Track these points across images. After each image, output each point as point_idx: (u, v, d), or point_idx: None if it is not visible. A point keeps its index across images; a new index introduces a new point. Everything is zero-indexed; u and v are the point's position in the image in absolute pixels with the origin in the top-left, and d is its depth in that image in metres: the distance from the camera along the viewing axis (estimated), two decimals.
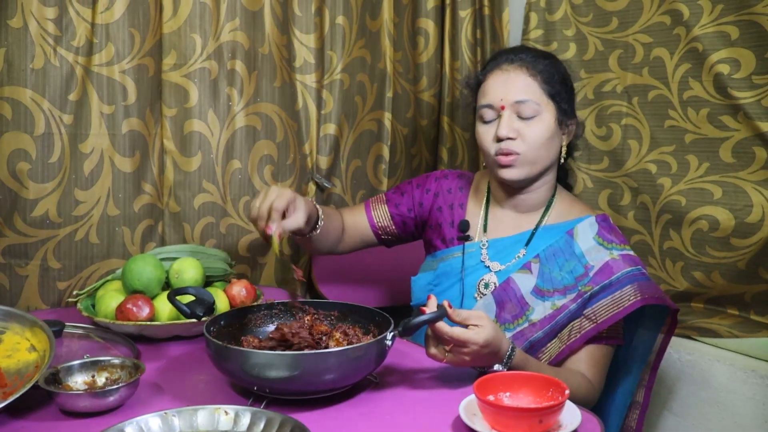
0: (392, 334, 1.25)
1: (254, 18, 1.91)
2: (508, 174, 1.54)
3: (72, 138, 1.70)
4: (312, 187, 2.10)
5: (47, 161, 1.67)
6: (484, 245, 1.62)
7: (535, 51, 1.60)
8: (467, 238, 1.63)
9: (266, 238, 1.35)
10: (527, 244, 1.59)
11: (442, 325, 1.22)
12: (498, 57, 1.59)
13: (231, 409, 1.07)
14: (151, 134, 1.82)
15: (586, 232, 1.56)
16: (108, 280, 1.65)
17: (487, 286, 1.57)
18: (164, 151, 1.85)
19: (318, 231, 1.56)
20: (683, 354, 1.85)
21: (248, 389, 1.23)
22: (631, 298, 1.46)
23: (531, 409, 1.05)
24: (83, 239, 1.75)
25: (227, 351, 1.19)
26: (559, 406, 1.03)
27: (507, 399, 1.11)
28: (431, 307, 1.25)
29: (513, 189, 1.60)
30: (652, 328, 1.61)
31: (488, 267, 1.59)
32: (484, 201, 1.68)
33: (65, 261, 1.73)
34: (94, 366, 1.22)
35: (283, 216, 1.36)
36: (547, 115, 1.52)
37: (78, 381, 1.20)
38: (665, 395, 1.89)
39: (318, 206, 1.57)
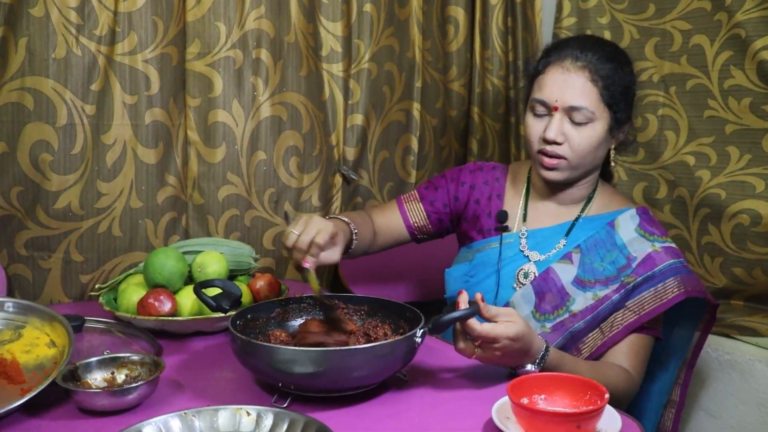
0: (422, 331, 1.21)
1: (280, 5, 1.88)
2: (549, 175, 1.51)
3: (94, 129, 1.68)
4: (338, 179, 2.06)
5: (69, 152, 1.65)
6: (523, 234, 1.59)
7: (604, 50, 1.51)
8: (505, 229, 1.60)
9: (300, 269, 1.31)
10: (567, 234, 1.56)
11: (472, 322, 1.18)
12: (563, 50, 1.51)
13: (253, 409, 1.03)
14: (175, 125, 1.79)
15: (628, 224, 1.53)
16: (130, 274, 1.63)
17: (526, 275, 1.54)
18: (188, 142, 1.82)
19: (351, 251, 1.53)
20: (722, 353, 1.79)
21: (273, 386, 1.19)
22: (675, 290, 1.44)
23: (569, 414, 1.00)
24: (106, 232, 1.73)
25: (252, 346, 1.15)
26: (598, 411, 0.97)
27: (542, 402, 1.06)
28: (463, 303, 1.21)
29: (555, 184, 1.56)
30: (690, 323, 1.57)
31: (527, 257, 1.56)
32: (524, 191, 1.65)
33: (88, 254, 1.71)
34: (114, 363, 1.19)
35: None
36: (599, 123, 1.47)
37: (97, 378, 1.17)
38: (702, 395, 1.83)
39: (352, 225, 1.53)
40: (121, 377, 1.18)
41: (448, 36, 2.25)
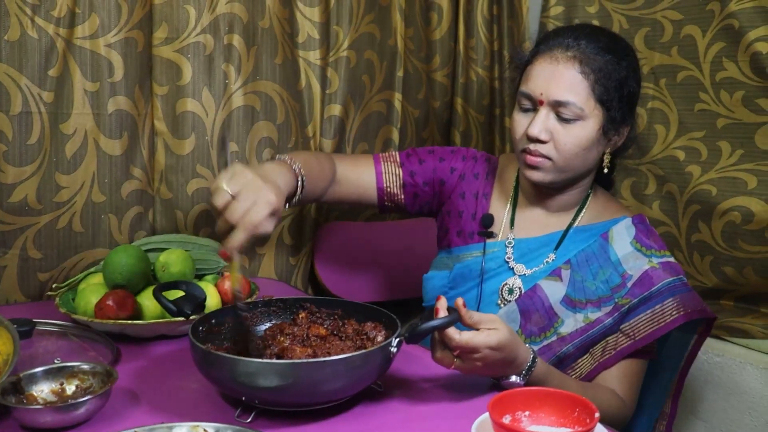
0: (398, 340, 1.12)
1: None
2: (532, 175, 1.39)
3: (53, 118, 1.57)
4: None
5: (26, 143, 1.55)
6: (509, 243, 1.47)
7: (600, 39, 1.36)
8: (490, 235, 1.48)
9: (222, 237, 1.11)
10: (557, 247, 1.44)
11: (450, 331, 1.10)
12: (554, 38, 1.38)
13: (212, 427, 0.95)
14: (141, 114, 1.70)
15: (623, 236, 1.42)
16: (91, 273, 1.53)
17: (511, 291, 1.43)
18: (155, 132, 1.73)
19: (293, 202, 1.36)
20: (712, 355, 1.76)
21: (237, 398, 1.10)
22: (674, 313, 1.34)
23: None
24: (66, 227, 1.63)
25: (213, 357, 1.07)
26: None
27: (526, 419, 0.98)
28: (442, 310, 1.12)
29: (541, 187, 1.45)
30: (685, 334, 1.48)
31: (512, 269, 1.45)
32: (512, 193, 1.53)
33: (46, 250, 1.62)
34: (63, 373, 1.09)
35: None
36: (590, 121, 1.34)
37: (44, 390, 1.07)
38: (692, 399, 1.80)
39: (301, 178, 1.34)
40: (71, 389, 1.09)
41: (432, 24, 2.17)
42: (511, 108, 1.46)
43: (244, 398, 1.07)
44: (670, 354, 1.51)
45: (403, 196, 1.58)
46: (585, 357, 1.39)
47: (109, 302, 1.33)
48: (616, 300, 1.37)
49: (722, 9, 1.69)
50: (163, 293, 1.24)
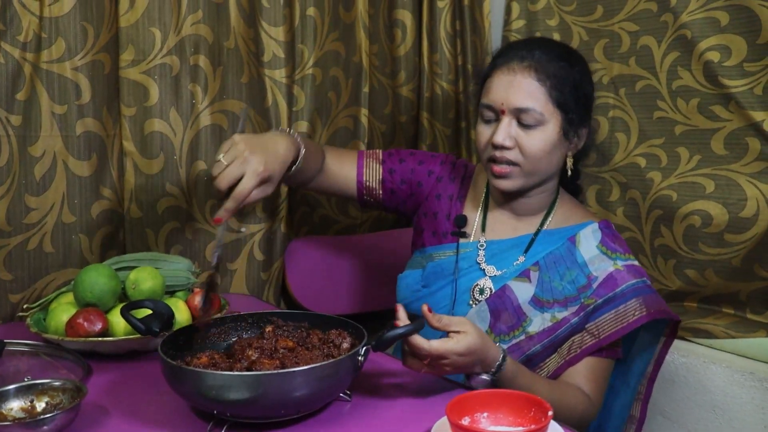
0: (365, 348, 1.15)
1: (218, 10, 1.80)
2: (501, 184, 1.45)
3: (21, 140, 1.59)
4: (284, 188, 1.98)
5: None
6: (481, 246, 1.52)
7: (552, 49, 1.45)
8: (463, 235, 1.54)
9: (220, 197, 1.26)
10: (527, 250, 1.49)
11: (418, 341, 1.13)
12: (509, 52, 1.46)
13: None
14: (109, 135, 1.71)
15: (589, 240, 1.48)
16: (62, 292, 1.54)
17: (482, 291, 1.47)
18: (123, 153, 1.74)
19: (289, 174, 1.44)
20: (677, 356, 1.78)
21: (209, 412, 1.12)
22: (636, 312, 1.40)
23: None
24: (37, 248, 1.64)
25: (181, 372, 1.08)
26: (542, 429, 0.93)
27: (484, 420, 1.01)
28: (402, 319, 1.15)
29: (510, 193, 1.50)
30: (651, 338, 1.53)
31: (483, 270, 1.50)
32: (483, 199, 1.58)
33: (17, 272, 1.63)
34: (32, 390, 1.11)
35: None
36: (551, 125, 1.40)
37: (14, 407, 1.09)
38: (659, 399, 1.81)
39: (302, 144, 1.44)
40: (41, 405, 1.10)
41: (396, 40, 2.20)
42: (475, 120, 1.50)
43: (215, 412, 1.09)
44: (637, 359, 1.55)
45: (381, 192, 1.64)
46: (553, 356, 1.43)
47: (80, 320, 1.35)
48: (582, 300, 1.42)
49: (675, 20, 1.72)
50: (131, 312, 1.26)
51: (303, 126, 1.98)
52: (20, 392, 1.11)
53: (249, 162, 1.26)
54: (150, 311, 1.29)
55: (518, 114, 1.39)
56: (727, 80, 1.64)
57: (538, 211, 1.52)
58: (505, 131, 1.40)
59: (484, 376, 1.22)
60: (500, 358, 1.22)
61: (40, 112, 1.61)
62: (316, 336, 1.26)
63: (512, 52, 1.44)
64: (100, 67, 1.67)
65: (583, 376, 1.40)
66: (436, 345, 1.13)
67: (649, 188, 1.82)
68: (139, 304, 1.29)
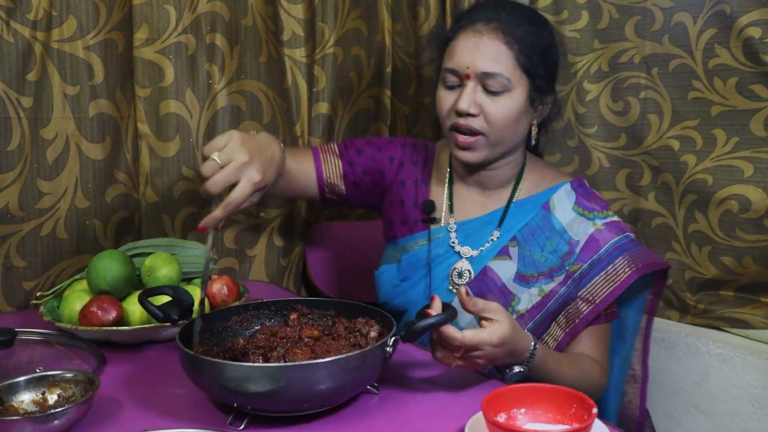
0: (393, 339, 1.09)
1: None
2: (465, 156, 1.39)
3: (32, 122, 1.54)
4: None
5: (5, 149, 1.51)
6: (452, 228, 1.47)
7: (519, 11, 1.40)
8: (432, 221, 1.48)
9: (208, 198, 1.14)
10: (500, 224, 1.44)
11: (450, 331, 1.07)
12: (474, 13, 1.40)
13: None
14: (123, 117, 1.66)
15: (563, 203, 1.44)
16: (76, 279, 1.50)
17: (461, 275, 1.42)
18: (138, 135, 1.69)
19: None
20: (712, 347, 1.73)
21: (228, 405, 1.07)
22: (626, 270, 1.36)
23: None
24: (50, 234, 1.60)
25: (200, 362, 1.03)
26: (586, 429, 0.86)
27: (522, 417, 0.95)
28: (436, 309, 1.10)
29: (474, 166, 1.44)
30: (639, 286, 1.47)
31: (459, 253, 1.44)
32: (447, 177, 1.52)
33: (31, 258, 1.58)
34: (44, 382, 1.06)
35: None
36: (517, 91, 1.35)
37: (25, 400, 1.04)
38: (692, 392, 1.77)
39: (287, 156, 1.36)
40: (53, 398, 1.06)
41: (419, 18, 2.12)
42: (434, 86, 1.45)
43: (236, 404, 1.04)
44: (629, 311, 1.50)
45: (343, 187, 1.57)
46: (551, 328, 1.39)
47: (94, 309, 1.31)
48: (567, 268, 1.38)
49: None
50: (150, 299, 1.21)
51: (324, 107, 1.93)
52: (31, 384, 1.06)
53: (247, 168, 1.14)
54: (169, 298, 1.23)
55: (484, 79, 1.33)
56: None
57: (506, 184, 1.47)
58: (470, 97, 1.33)
59: (518, 369, 1.17)
60: (531, 347, 1.18)
61: (51, 94, 1.56)
62: (342, 325, 1.21)
63: (478, 13, 1.38)
64: (113, 47, 1.61)
65: (588, 345, 1.38)
66: (469, 335, 1.07)
67: (683, 172, 1.75)
68: (158, 291, 1.24)
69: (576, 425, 0.89)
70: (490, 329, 1.09)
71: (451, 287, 1.43)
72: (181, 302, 1.21)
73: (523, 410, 0.96)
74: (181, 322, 1.19)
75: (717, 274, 1.73)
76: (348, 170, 1.56)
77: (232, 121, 1.78)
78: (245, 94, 1.79)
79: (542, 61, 1.37)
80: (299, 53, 1.86)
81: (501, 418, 0.94)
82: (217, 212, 1.11)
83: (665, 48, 1.77)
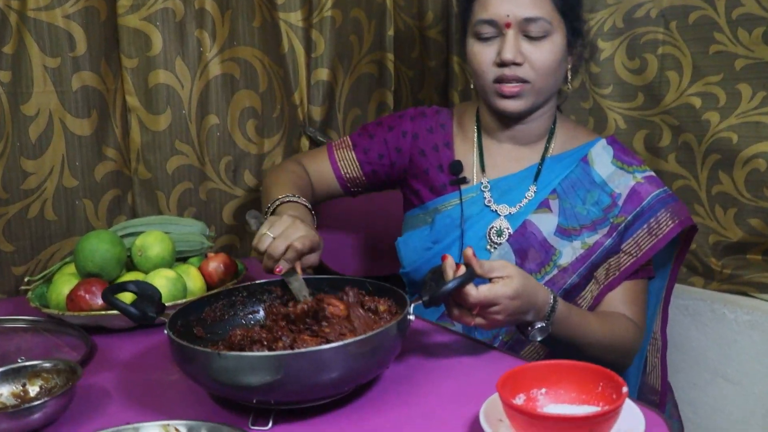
0: (413, 306, 1.04)
1: None
2: (511, 105, 1.35)
3: (12, 98, 1.48)
4: (305, 143, 1.88)
5: None
6: (485, 187, 1.43)
7: None
8: (463, 181, 1.44)
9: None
10: (536, 179, 1.41)
11: (467, 288, 1.04)
12: None
13: (183, 425, 0.84)
14: (110, 90, 1.60)
15: (602, 157, 1.43)
16: (66, 263, 1.44)
17: (500, 233, 1.39)
18: (127, 108, 1.64)
19: None
20: (740, 314, 1.66)
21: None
22: (669, 223, 1.37)
23: (578, 418, 0.79)
24: (38, 216, 1.55)
25: (191, 352, 0.95)
26: (615, 411, 0.77)
27: (542, 397, 0.87)
28: (450, 268, 1.06)
29: (510, 119, 1.42)
30: (666, 252, 1.45)
31: (496, 211, 1.41)
32: (475, 136, 1.48)
33: (19, 242, 1.53)
34: (24, 373, 0.99)
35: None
36: (557, 35, 1.33)
37: (4, 393, 0.98)
38: (720, 361, 1.70)
39: (306, 205, 1.36)
40: (34, 390, 0.99)
41: None
42: (462, 41, 1.41)
43: (255, 401, 0.96)
44: (654, 277, 1.47)
45: (364, 177, 1.54)
46: (591, 283, 1.38)
47: (81, 293, 1.25)
48: (611, 220, 1.38)
49: None
50: (117, 295, 1.09)
51: (323, 74, 1.87)
52: (9, 375, 0.99)
53: (299, 230, 1.17)
54: (134, 295, 1.11)
55: (526, 26, 1.31)
56: None
57: (539, 138, 1.45)
58: (514, 46, 1.31)
59: (540, 324, 1.14)
60: (551, 299, 1.15)
61: (30, 67, 1.50)
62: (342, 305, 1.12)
63: None
64: (95, 14, 1.56)
65: (623, 301, 1.37)
66: (485, 290, 1.05)
67: (705, 131, 1.68)
68: (122, 287, 1.11)
69: (605, 407, 0.80)
70: (502, 282, 1.07)
71: (489, 246, 1.40)
72: (150, 297, 1.09)
73: (544, 390, 0.87)
74: (158, 318, 1.08)
75: (743, 237, 1.66)
76: (363, 159, 1.53)
77: (226, 91, 1.73)
78: (239, 61, 1.74)
79: (577, 1, 1.37)
80: (295, 17, 1.80)
81: (519, 399, 0.86)
82: (286, 252, 1.14)
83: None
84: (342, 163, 1.52)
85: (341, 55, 1.90)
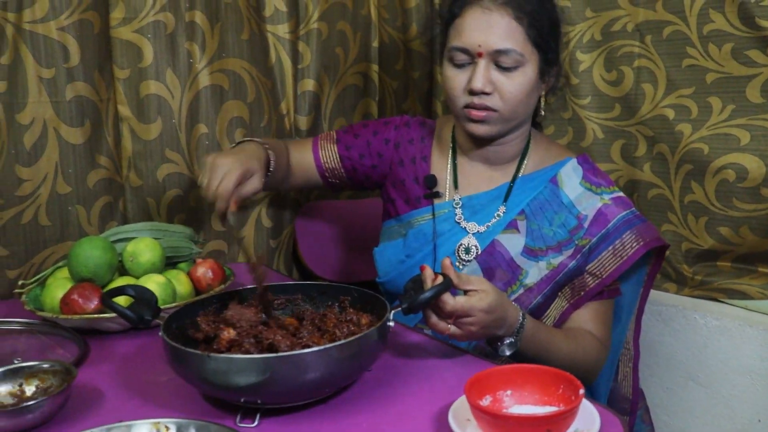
0: (393, 313, 1.09)
1: None
2: (480, 129, 1.37)
3: (7, 107, 1.51)
4: None
5: None
6: (457, 204, 1.45)
7: None
8: (436, 195, 1.47)
9: (223, 220, 1.26)
10: (506, 199, 1.43)
11: (445, 296, 1.08)
12: None
13: (173, 423, 0.89)
14: (103, 100, 1.62)
15: (571, 178, 1.43)
16: (59, 267, 1.47)
17: (468, 251, 1.41)
18: (119, 118, 1.66)
19: (267, 177, 1.41)
20: (710, 319, 1.70)
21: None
22: (634, 245, 1.37)
23: (537, 417, 0.85)
24: (32, 221, 1.57)
25: (183, 354, 0.99)
26: (572, 411, 0.83)
27: (508, 398, 0.92)
28: (429, 279, 1.10)
29: (482, 141, 1.42)
30: (638, 267, 1.46)
31: (465, 229, 1.43)
32: (450, 152, 1.50)
33: (13, 247, 1.56)
34: (21, 373, 1.04)
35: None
36: (529, 67, 1.33)
37: (1, 392, 1.02)
38: (690, 364, 1.75)
39: (269, 149, 1.42)
40: (30, 390, 1.04)
41: None
42: (439, 63, 1.44)
43: (242, 400, 1.00)
44: (626, 292, 1.49)
45: (342, 170, 1.59)
46: (555, 302, 1.40)
47: (74, 296, 1.28)
48: (576, 242, 1.38)
49: None
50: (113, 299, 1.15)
51: (309, 84, 1.89)
52: (7, 376, 1.04)
53: (222, 163, 1.26)
54: (131, 299, 1.16)
55: (497, 56, 1.31)
56: (765, 21, 1.53)
57: (511, 159, 1.46)
58: (484, 76, 1.31)
59: (509, 340, 1.18)
60: (520, 316, 1.19)
61: (26, 77, 1.52)
62: (331, 320, 1.16)
63: None
64: (89, 27, 1.57)
65: (589, 320, 1.38)
66: (461, 301, 1.09)
67: (678, 141, 1.72)
68: (119, 291, 1.18)
69: (563, 407, 0.86)
70: (478, 296, 1.10)
71: (458, 263, 1.42)
72: (147, 300, 1.15)
73: (509, 392, 0.93)
74: (154, 321, 1.13)
75: (714, 244, 1.70)
76: (344, 154, 1.57)
77: (215, 101, 1.75)
78: (228, 72, 1.76)
79: (550, 33, 1.35)
80: (282, 29, 1.83)
81: (486, 400, 0.91)
82: (217, 203, 1.24)
83: (659, 15, 1.73)
84: (323, 152, 1.57)
85: (327, 66, 1.92)
